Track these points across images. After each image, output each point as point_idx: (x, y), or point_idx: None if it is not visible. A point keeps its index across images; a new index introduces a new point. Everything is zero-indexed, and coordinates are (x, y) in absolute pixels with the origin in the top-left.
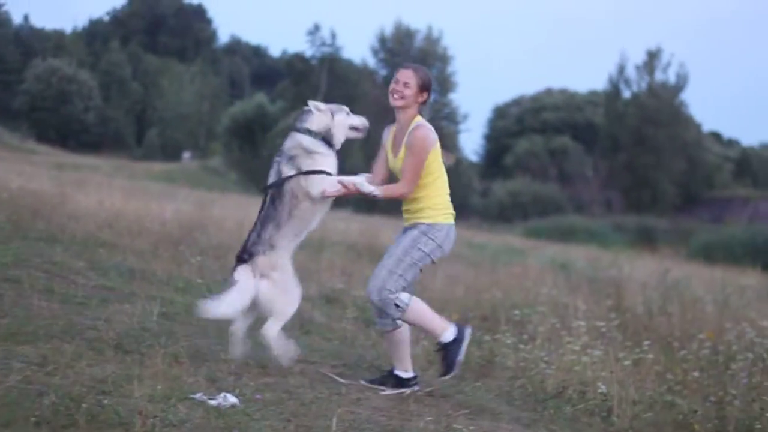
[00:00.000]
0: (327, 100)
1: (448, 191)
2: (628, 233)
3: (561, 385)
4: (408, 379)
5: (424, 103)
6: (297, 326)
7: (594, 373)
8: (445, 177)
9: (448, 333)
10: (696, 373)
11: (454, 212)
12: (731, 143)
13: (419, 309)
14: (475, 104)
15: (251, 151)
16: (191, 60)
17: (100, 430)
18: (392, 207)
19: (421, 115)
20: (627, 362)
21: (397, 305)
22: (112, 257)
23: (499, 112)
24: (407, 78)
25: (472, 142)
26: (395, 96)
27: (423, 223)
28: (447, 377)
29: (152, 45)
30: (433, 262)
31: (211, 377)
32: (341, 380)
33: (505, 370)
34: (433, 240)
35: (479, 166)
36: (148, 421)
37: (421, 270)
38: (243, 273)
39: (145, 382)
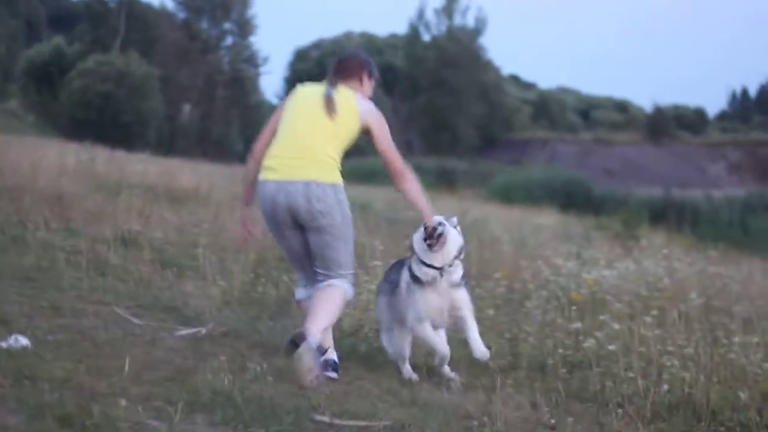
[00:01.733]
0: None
1: (276, 143)
2: (429, 175)
3: (357, 324)
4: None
5: None
6: (92, 267)
7: None
8: (279, 130)
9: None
10: (491, 311)
11: (271, 165)
12: (529, 86)
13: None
14: (276, 47)
15: (49, 93)
16: None
17: None
18: (191, 150)
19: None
20: None
21: None
22: None
23: (300, 55)
24: None
25: (273, 85)
26: None
27: None
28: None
29: None
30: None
31: (2, 319)
32: (136, 320)
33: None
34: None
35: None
36: None
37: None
38: None
39: None
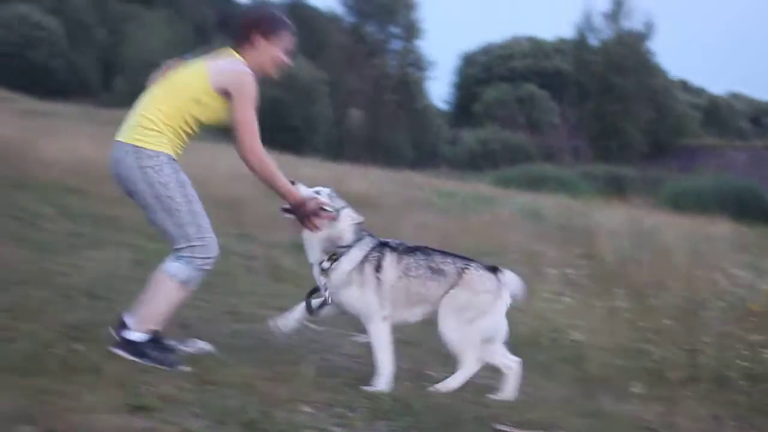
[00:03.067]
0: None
1: None
2: (597, 182)
3: (535, 332)
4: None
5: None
6: (268, 272)
7: (565, 321)
8: None
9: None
10: (668, 321)
11: None
12: (699, 91)
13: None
14: (443, 52)
15: None
16: (156, 6)
17: (72, 375)
18: (359, 155)
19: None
20: (599, 310)
21: None
22: (82, 204)
23: (467, 60)
24: None
25: (440, 90)
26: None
27: None
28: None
29: None
30: None
31: (184, 323)
32: (313, 326)
33: None
34: None
35: (448, 114)
36: (119, 366)
37: None
38: None
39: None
